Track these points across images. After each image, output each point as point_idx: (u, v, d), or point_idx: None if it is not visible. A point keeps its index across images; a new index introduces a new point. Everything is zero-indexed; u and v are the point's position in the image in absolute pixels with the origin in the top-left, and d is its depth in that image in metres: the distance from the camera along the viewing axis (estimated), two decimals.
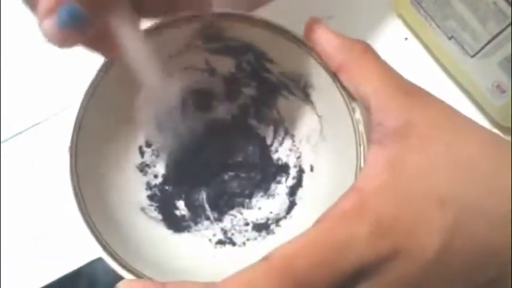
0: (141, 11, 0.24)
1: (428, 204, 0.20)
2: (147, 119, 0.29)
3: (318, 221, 0.21)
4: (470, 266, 0.20)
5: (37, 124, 0.37)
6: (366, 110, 0.24)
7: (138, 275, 0.25)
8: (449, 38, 0.36)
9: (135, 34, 0.23)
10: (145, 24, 0.28)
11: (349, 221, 0.20)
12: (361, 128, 0.27)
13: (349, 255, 0.20)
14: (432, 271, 0.20)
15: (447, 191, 0.20)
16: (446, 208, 0.20)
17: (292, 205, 0.33)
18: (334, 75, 0.27)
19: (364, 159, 0.26)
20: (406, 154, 0.21)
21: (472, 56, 0.35)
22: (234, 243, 0.32)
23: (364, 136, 0.26)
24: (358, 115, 0.27)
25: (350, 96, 0.27)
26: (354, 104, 0.27)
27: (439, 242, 0.20)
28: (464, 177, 0.21)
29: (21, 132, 0.37)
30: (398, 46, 0.40)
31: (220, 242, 0.32)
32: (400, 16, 0.40)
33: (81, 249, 0.33)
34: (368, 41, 0.26)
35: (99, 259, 0.25)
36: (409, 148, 0.22)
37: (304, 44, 0.28)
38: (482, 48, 0.34)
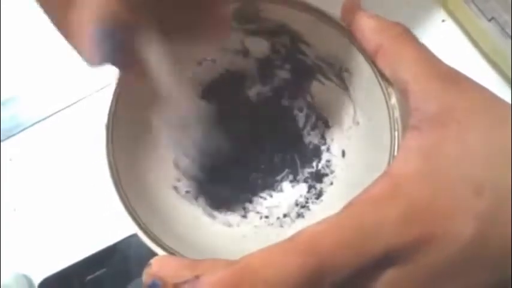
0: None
1: (464, 191, 0.20)
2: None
3: (348, 205, 0.21)
4: (502, 256, 0.20)
5: (76, 102, 0.38)
6: (403, 94, 0.24)
7: (170, 252, 0.26)
8: (489, 20, 0.35)
9: (161, 57, 0.23)
10: None
11: (380, 206, 0.20)
12: (397, 113, 0.26)
13: (377, 239, 0.20)
14: (464, 259, 0.20)
15: (484, 179, 0.20)
16: (483, 196, 0.20)
17: (322, 189, 0.33)
18: (371, 59, 0.26)
19: (399, 145, 0.26)
20: (443, 140, 0.21)
21: None
22: (263, 225, 0.32)
23: (399, 122, 0.26)
24: (393, 101, 0.26)
25: (386, 81, 0.26)
26: (390, 89, 0.26)
27: (473, 230, 0.20)
28: (502, 165, 0.20)
29: (60, 110, 0.38)
30: (435, 28, 0.39)
31: (249, 223, 0.32)
32: None
33: (117, 226, 0.34)
34: (404, 24, 0.26)
35: (134, 235, 0.26)
36: (447, 134, 0.21)
37: (341, 27, 0.28)
38: None
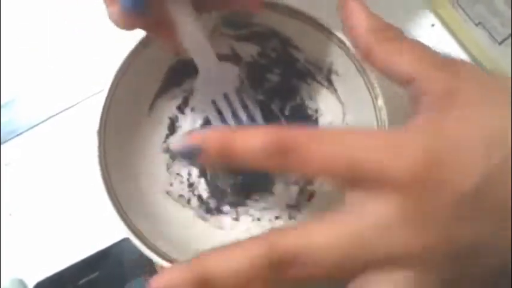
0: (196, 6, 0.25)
1: (473, 146, 0.20)
2: (204, 101, 0.30)
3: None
4: (503, 217, 0.20)
5: (68, 108, 0.39)
6: (405, 86, 0.24)
7: (163, 256, 0.26)
8: (477, 24, 0.35)
9: (193, 22, 0.24)
10: None
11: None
12: (384, 115, 0.27)
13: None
14: (467, 206, 0.20)
15: (494, 137, 0.20)
16: (492, 151, 0.20)
17: (313, 192, 0.33)
18: (358, 61, 0.27)
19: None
20: (449, 120, 0.21)
21: (500, 43, 0.34)
22: (255, 228, 0.32)
23: (386, 123, 0.26)
24: (380, 102, 0.27)
25: (373, 82, 0.27)
26: (377, 91, 0.27)
27: (479, 175, 0.19)
28: None
29: (56, 114, 0.38)
30: (425, 33, 0.39)
31: (242, 226, 0.32)
32: (427, 2, 0.40)
33: (110, 230, 0.34)
34: None
35: (127, 239, 0.26)
36: (454, 114, 0.21)
37: (329, 32, 0.28)
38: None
